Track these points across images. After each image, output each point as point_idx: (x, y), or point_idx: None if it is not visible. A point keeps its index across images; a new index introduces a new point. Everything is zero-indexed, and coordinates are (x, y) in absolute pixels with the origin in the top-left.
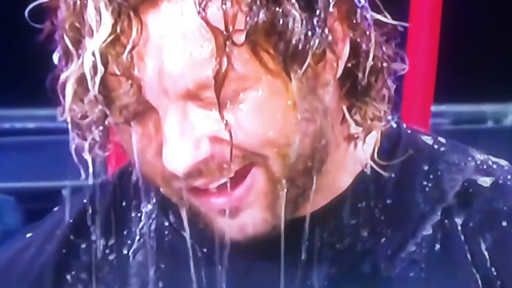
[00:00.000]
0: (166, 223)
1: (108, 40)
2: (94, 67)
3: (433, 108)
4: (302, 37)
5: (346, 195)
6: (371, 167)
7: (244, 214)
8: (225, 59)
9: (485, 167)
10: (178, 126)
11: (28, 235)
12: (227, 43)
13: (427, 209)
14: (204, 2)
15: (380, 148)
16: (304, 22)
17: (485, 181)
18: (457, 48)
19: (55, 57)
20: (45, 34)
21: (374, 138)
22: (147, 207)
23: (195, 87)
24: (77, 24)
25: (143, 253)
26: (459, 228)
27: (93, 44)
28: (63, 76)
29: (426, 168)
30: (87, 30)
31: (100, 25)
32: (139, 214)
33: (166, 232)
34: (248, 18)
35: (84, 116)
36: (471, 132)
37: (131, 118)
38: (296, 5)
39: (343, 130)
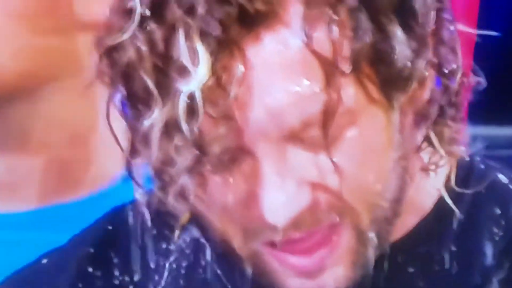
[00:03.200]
0: (203, 262)
1: (209, 81)
2: (191, 111)
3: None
4: (407, 60)
5: (406, 239)
6: (439, 205)
7: (327, 274)
8: (334, 91)
9: None
10: (279, 172)
11: (44, 261)
12: (336, 73)
13: (495, 262)
14: (309, 30)
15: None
16: (407, 42)
17: None
18: (491, 63)
19: (118, 102)
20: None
21: (444, 171)
22: (180, 240)
23: (301, 126)
24: (160, 64)
25: None
26: None
27: (191, 86)
28: (147, 123)
29: (498, 212)
30: (177, 70)
31: (198, 64)
32: (170, 247)
33: (200, 271)
34: (353, 44)
35: (171, 163)
36: (507, 159)
37: (225, 165)
38: (399, 24)
39: (417, 162)
